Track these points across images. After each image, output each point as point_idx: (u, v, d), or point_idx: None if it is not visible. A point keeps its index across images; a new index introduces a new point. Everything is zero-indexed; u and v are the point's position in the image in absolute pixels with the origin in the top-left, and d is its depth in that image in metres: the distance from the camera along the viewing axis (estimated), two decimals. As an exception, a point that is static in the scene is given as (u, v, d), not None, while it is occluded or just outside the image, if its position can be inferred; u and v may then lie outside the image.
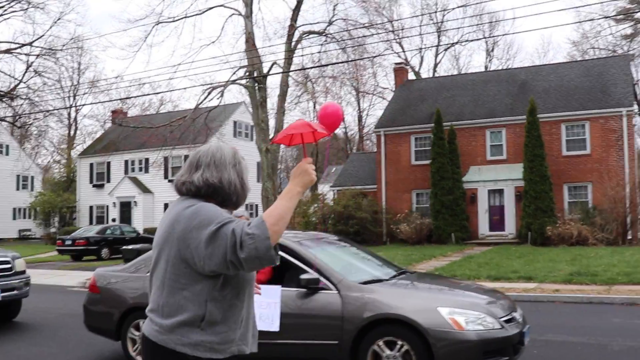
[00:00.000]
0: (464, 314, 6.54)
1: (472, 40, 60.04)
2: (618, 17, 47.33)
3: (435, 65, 61.47)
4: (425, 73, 60.56)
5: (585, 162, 30.19)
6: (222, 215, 2.76)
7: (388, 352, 6.57)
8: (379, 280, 7.36)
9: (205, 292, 2.81)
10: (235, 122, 47.97)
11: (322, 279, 6.90)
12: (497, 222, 31.63)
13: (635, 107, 31.23)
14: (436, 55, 61.37)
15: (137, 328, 8.03)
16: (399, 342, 6.53)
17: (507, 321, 6.79)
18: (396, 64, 41.78)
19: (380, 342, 6.60)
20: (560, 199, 30.15)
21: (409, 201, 33.89)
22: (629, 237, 28.03)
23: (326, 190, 45.38)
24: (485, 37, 59.64)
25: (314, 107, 64.16)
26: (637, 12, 47.64)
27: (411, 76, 53.16)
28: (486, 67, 60.83)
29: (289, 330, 6.80)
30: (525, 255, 23.10)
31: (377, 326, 6.63)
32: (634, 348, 8.71)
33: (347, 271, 7.38)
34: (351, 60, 34.66)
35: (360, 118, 65.79)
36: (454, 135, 31.90)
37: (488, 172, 32.03)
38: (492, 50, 63.18)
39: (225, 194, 2.95)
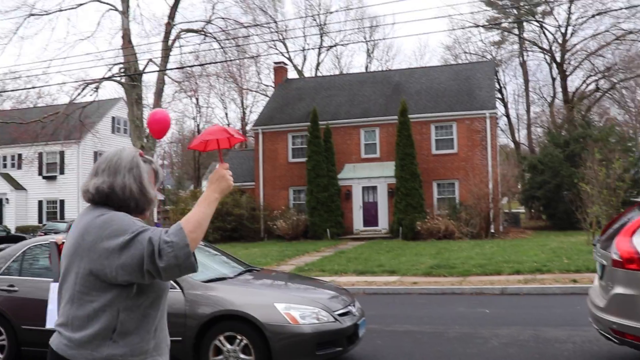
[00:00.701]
0: (299, 309, 7.01)
1: (352, 42, 61.36)
2: (487, 25, 49.72)
3: (318, 64, 62.42)
4: (308, 72, 61.47)
5: (453, 161, 31.74)
6: (135, 224, 2.66)
7: (228, 346, 6.94)
8: (223, 278, 7.74)
9: (117, 302, 2.69)
10: (113, 118, 47.14)
11: (165, 278, 7.16)
12: (371, 217, 32.71)
13: (498, 109, 32.94)
14: (319, 55, 62.37)
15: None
16: (239, 337, 6.91)
17: (343, 315, 7.32)
18: (275, 62, 42.11)
19: (221, 337, 6.96)
20: (430, 195, 31.57)
21: (286, 198, 34.46)
22: (492, 230, 29.74)
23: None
24: (366, 40, 61.09)
25: (197, 103, 63.93)
26: (503, 22, 50.17)
27: (294, 75, 53.85)
28: (367, 68, 62.33)
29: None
30: (394, 249, 24.06)
31: (218, 322, 6.99)
32: (467, 334, 9.47)
33: (194, 270, 7.66)
34: (230, 60, 34.81)
35: (243, 115, 66.03)
36: (329, 134, 32.65)
37: (362, 170, 33.03)
38: (372, 51, 64.90)
39: (120, 200, 2.83)
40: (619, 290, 6.44)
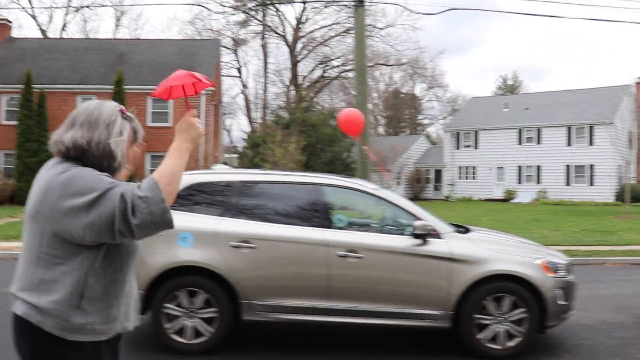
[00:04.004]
0: None
1: (100, 6, 59.63)
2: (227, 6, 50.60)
3: (64, 26, 59.87)
4: (53, 33, 58.75)
5: (167, 134, 32.22)
6: (104, 180, 2.45)
7: None
8: None
9: (85, 265, 2.52)
10: None
11: None
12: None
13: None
14: (65, 15, 59.92)
15: None
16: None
17: None
18: (-2, 19, 39.64)
19: None
20: (141, 165, 31.91)
21: (-3, 161, 33.00)
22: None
23: None
24: (113, 5, 59.64)
25: None
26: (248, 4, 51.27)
27: (37, 34, 51.19)
28: (114, 35, 60.91)
29: None
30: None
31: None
32: None
33: None
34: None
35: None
36: (44, 99, 31.77)
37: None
38: (120, 18, 63.57)
39: (94, 157, 2.60)
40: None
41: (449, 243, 6.93)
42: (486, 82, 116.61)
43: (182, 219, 6.96)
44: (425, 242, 6.89)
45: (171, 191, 2.43)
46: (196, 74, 2.80)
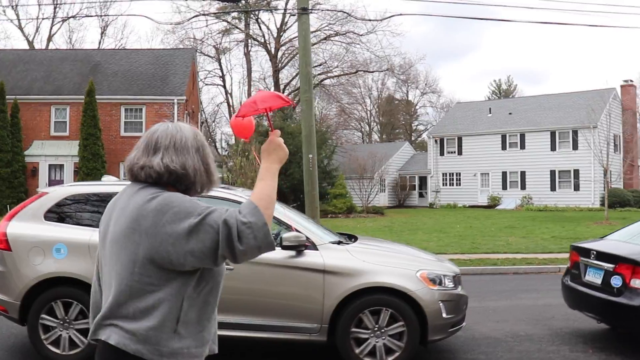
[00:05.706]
0: None
1: (84, 17, 59.45)
2: (217, 13, 50.45)
3: (50, 37, 59.88)
4: (38, 44, 58.81)
5: (140, 144, 32.32)
6: (200, 205, 2.46)
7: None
8: None
9: (182, 291, 2.51)
10: None
11: None
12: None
13: (184, 97, 33.84)
14: (51, 26, 59.87)
15: None
16: None
17: None
18: (-25, 31, 39.90)
19: None
20: (116, 177, 31.82)
21: (-29, 172, 33.00)
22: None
23: None
24: (99, 15, 59.53)
25: None
26: (231, 11, 51.07)
27: (23, 45, 51.31)
28: (99, 45, 60.94)
29: None
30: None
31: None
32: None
33: None
34: None
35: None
36: (17, 109, 31.96)
37: (50, 147, 32.82)
38: (106, 28, 63.52)
39: (190, 182, 2.61)
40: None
41: (324, 254, 6.79)
42: (481, 87, 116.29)
43: (56, 231, 6.93)
44: (299, 254, 6.76)
45: (270, 214, 2.44)
46: (279, 94, 2.83)
